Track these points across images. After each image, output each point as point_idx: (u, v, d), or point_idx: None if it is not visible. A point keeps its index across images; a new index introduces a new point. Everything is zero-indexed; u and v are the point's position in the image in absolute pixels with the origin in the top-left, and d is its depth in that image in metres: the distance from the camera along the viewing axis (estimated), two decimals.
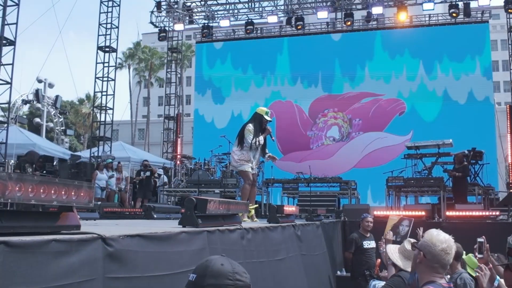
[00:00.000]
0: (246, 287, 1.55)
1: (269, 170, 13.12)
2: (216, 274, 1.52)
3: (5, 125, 13.83)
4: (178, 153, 18.61)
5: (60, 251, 1.98)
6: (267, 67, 19.49)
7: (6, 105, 14.63)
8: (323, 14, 18.15)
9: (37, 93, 23.33)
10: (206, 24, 19.71)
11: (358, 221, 8.02)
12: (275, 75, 19.45)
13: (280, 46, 19.54)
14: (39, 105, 24.49)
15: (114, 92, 18.50)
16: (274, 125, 15.12)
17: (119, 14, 18.49)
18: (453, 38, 17.66)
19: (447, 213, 9.66)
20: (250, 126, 6.70)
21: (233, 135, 7.34)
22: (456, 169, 10.93)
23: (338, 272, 8.37)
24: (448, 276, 3.15)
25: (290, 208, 6.41)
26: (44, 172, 12.87)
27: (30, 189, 1.93)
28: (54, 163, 14.90)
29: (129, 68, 43.18)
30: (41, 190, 1.99)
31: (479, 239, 3.60)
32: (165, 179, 15.10)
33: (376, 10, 17.72)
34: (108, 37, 18.31)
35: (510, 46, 16.98)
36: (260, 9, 19.32)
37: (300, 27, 18.32)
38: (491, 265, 3.33)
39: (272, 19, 18.61)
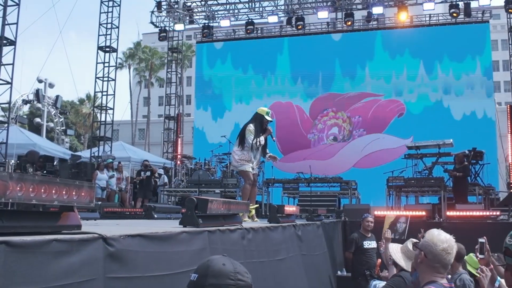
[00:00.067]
0: (247, 287, 1.54)
1: (270, 170, 13.12)
2: (217, 274, 1.51)
3: (6, 125, 13.82)
4: (179, 153, 18.59)
5: (61, 251, 1.97)
6: (267, 67, 19.46)
7: (7, 105, 14.63)
8: (323, 14, 18.13)
9: (37, 93, 23.34)
10: (206, 24, 19.70)
11: (358, 221, 8.02)
12: (275, 75, 19.44)
13: (280, 46, 19.51)
14: (39, 105, 24.50)
15: (114, 92, 18.52)
16: (274, 125, 15.09)
17: (119, 14, 18.52)
18: (454, 38, 17.64)
19: (448, 213, 9.66)
20: (251, 127, 6.70)
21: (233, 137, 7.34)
22: (456, 169, 10.92)
23: (339, 272, 8.36)
24: (449, 276, 3.14)
25: (290, 208, 6.41)
26: (45, 172, 12.90)
27: (31, 189, 1.93)
28: (55, 163, 14.94)
29: (129, 68, 43.19)
30: (42, 190, 1.99)
31: (480, 240, 3.58)
32: (166, 179, 15.12)
33: (377, 10, 17.70)
34: (108, 37, 18.32)
35: (510, 46, 16.98)
36: (261, 9, 19.31)
37: (300, 27, 18.31)
38: (492, 266, 3.32)
39: (273, 19, 18.60)
